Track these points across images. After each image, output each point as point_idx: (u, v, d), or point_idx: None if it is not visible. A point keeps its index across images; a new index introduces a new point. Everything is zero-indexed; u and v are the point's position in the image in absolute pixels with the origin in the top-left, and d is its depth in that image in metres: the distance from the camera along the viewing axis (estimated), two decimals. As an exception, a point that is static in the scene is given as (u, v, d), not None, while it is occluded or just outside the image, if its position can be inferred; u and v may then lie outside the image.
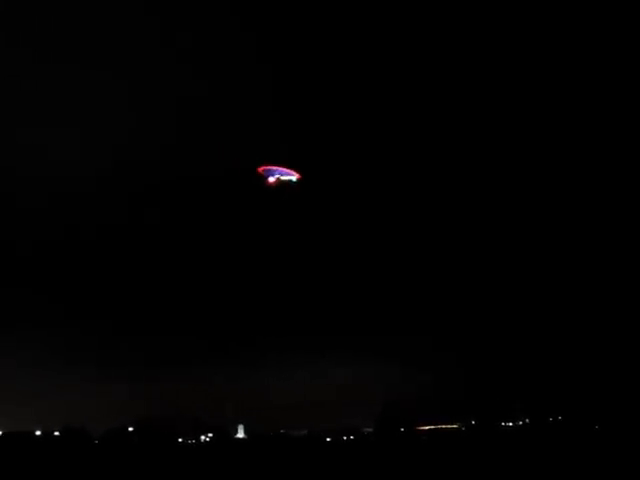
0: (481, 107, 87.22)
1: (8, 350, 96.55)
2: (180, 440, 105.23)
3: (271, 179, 44.01)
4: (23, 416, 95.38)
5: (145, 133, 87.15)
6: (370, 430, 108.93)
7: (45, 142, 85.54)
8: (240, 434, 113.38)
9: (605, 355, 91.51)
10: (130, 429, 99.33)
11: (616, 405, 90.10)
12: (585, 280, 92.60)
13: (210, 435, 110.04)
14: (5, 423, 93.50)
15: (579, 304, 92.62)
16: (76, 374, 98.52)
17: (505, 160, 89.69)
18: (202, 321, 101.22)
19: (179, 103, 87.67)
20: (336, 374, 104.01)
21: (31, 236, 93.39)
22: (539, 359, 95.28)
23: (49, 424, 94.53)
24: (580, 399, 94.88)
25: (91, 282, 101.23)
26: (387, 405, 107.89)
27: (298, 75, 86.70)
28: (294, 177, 44.15)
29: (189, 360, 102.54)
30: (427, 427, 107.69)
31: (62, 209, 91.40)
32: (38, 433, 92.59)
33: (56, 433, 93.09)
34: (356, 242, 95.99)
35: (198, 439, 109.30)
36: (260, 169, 44.35)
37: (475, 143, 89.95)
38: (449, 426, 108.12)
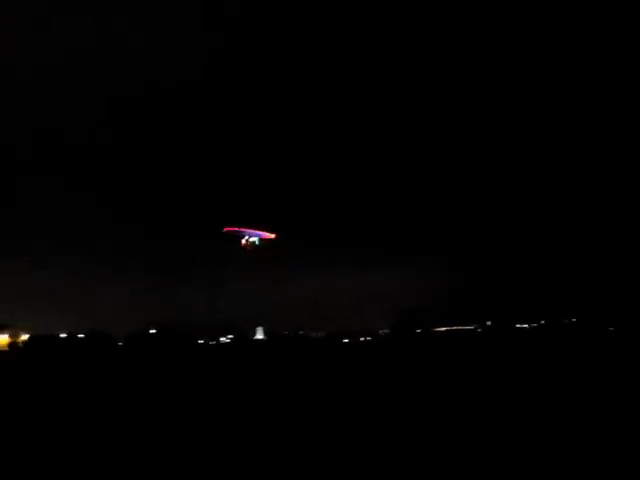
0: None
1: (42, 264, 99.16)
2: (201, 342, 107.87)
3: (243, 241, 37.94)
4: (53, 322, 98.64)
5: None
6: (387, 331, 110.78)
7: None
8: (259, 335, 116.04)
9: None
10: (152, 331, 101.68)
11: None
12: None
13: (230, 337, 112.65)
14: (36, 327, 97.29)
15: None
16: (103, 285, 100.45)
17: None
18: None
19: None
20: (355, 280, 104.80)
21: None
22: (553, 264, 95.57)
23: (76, 329, 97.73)
24: (594, 302, 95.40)
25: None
26: (403, 310, 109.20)
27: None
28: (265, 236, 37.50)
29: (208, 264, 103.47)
30: (443, 328, 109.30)
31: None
32: (63, 336, 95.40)
33: (80, 336, 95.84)
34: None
35: (218, 341, 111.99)
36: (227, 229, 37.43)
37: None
38: (465, 327, 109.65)
